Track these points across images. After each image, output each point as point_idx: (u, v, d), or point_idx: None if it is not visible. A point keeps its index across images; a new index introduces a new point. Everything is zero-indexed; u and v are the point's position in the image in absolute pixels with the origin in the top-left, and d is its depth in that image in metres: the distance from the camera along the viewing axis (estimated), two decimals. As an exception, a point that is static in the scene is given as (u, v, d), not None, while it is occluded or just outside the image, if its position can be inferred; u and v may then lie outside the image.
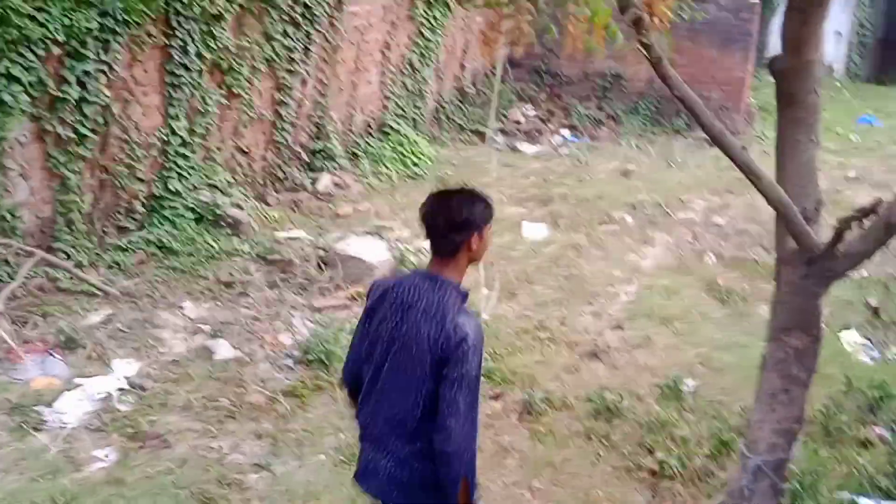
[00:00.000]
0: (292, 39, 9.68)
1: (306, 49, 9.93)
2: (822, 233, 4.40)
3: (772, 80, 4.42)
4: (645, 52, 4.02)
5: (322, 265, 7.99)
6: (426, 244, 3.32)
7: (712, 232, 9.46)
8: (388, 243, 8.34)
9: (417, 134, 11.81)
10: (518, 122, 13.03)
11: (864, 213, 3.94)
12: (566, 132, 12.92)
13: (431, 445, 3.18)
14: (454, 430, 3.12)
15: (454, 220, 3.23)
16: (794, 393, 4.50)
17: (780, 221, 4.38)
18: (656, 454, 5.45)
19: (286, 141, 10.06)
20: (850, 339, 7.23)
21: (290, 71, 9.80)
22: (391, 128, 11.54)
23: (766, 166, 4.36)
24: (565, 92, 13.79)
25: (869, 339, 7.31)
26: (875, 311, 7.67)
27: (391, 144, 11.29)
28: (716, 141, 4.21)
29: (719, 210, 10.01)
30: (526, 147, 12.40)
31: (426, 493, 3.29)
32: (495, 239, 8.91)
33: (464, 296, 3.26)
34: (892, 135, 13.25)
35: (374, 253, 8.06)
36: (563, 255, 8.68)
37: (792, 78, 4.26)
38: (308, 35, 9.85)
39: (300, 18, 9.66)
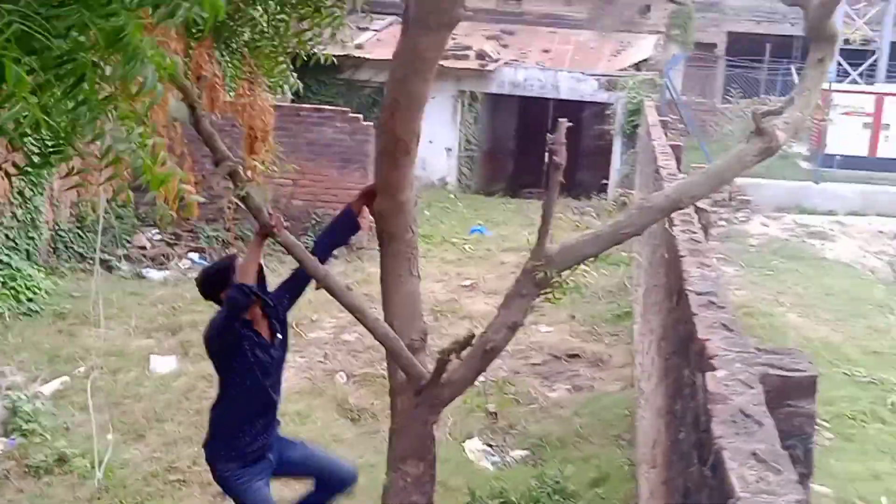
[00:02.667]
0: None
1: None
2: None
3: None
4: (243, 204, 4.08)
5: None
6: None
7: (342, 350, 9.66)
8: (-3, 392, 7.65)
9: (32, 266, 11.06)
10: (143, 248, 12.64)
11: (461, 345, 4.21)
12: (194, 255, 12.71)
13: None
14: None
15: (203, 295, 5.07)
16: (417, 520, 4.65)
17: (389, 354, 4.57)
18: None
19: None
20: (473, 447, 7.64)
21: None
22: (1, 262, 10.72)
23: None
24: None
25: (490, 445, 7.78)
26: (494, 416, 8.18)
27: (1, 279, 10.47)
28: (321, 283, 4.33)
29: (349, 327, 10.25)
30: (153, 273, 12.02)
31: None
32: (120, 376, 8.57)
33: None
34: (501, 243, 14.37)
35: (-21, 406, 7.37)
36: (195, 388, 8.43)
37: (389, 218, 4.51)
38: None
39: None
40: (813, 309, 13.08)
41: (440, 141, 18.40)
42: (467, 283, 12.20)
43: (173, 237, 13.10)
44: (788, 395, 2.67)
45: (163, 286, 11.53)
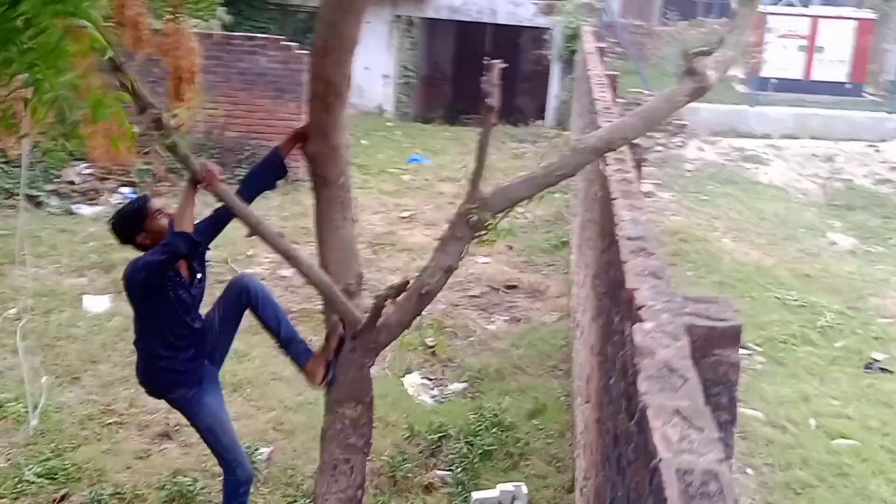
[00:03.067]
0: None
1: None
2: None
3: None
4: (170, 152, 3.99)
5: None
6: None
7: (280, 286, 9.59)
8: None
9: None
10: (73, 183, 12.33)
11: (397, 291, 4.22)
12: (126, 190, 12.44)
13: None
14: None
15: (119, 240, 4.91)
16: (355, 461, 4.69)
17: (324, 300, 4.56)
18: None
19: None
20: (412, 381, 7.69)
21: None
22: (-78, 199, 10.43)
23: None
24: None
25: (429, 379, 7.85)
26: (432, 351, 8.24)
27: (-76, 218, 10.19)
28: (254, 230, 4.28)
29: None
30: (84, 209, 11.76)
31: None
32: (52, 317, 8.41)
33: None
34: (439, 172, 14.30)
35: None
36: (130, 328, 8.21)
37: (322, 162, 4.45)
38: None
39: None
40: (746, 233, 13.34)
41: (376, 68, 18.17)
42: (405, 214, 12.18)
43: (104, 171, 12.79)
44: (714, 345, 2.72)
45: (94, 222, 11.28)
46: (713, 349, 2.72)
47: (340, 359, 4.58)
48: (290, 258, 4.29)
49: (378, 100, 18.57)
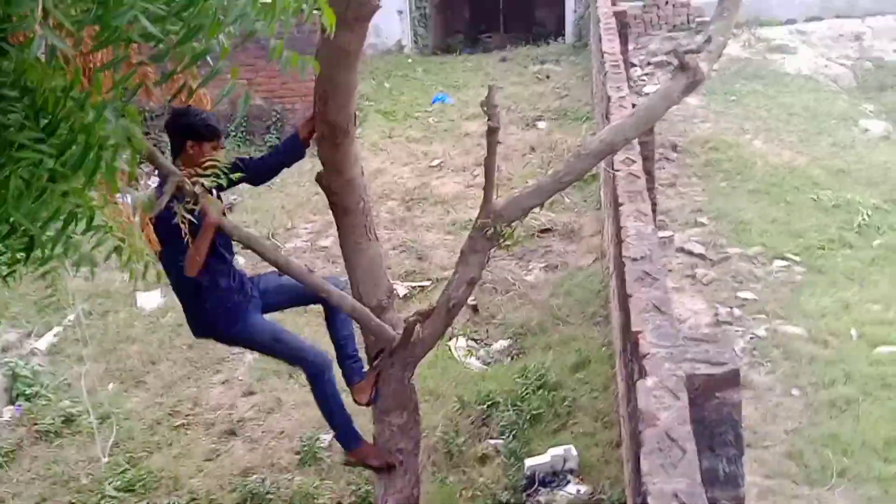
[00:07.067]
0: None
1: None
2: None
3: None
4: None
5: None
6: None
7: (321, 256, 9.83)
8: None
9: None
10: (109, 171, 12.58)
11: (425, 315, 4.45)
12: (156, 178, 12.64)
13: None
14: None
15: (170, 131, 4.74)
16: (408, 463, 4.99)
17: (358, 323, 4.80)
18: (304, 533, 5.79)
19: None
20: (459, 345, 7.93)
21: None
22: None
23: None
24: (153, 127, 13.52)
25: (474, 339, 8.09)
26: (474, 309, 8.45)
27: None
28: (283, 270, 4.47)
29: (324, 231, 10.37)
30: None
31: None
32: (109, 319, 8.74)
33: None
34: (463, 110, 14.20)
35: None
36: (183, 323, 8.60)
37: (340, 194, 4.63)
38: None
39: None
40: (777, 132, 13.20)
41: (391, 3, 17.90)
42: (435, 162, 12.23)
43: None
44: (716, 389, 2.91)
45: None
46: (715, 392, 2.91)
47: (381, 374, 4.83)
48: (320, 290, 4.50)
49: (396, 36, 18.36)
